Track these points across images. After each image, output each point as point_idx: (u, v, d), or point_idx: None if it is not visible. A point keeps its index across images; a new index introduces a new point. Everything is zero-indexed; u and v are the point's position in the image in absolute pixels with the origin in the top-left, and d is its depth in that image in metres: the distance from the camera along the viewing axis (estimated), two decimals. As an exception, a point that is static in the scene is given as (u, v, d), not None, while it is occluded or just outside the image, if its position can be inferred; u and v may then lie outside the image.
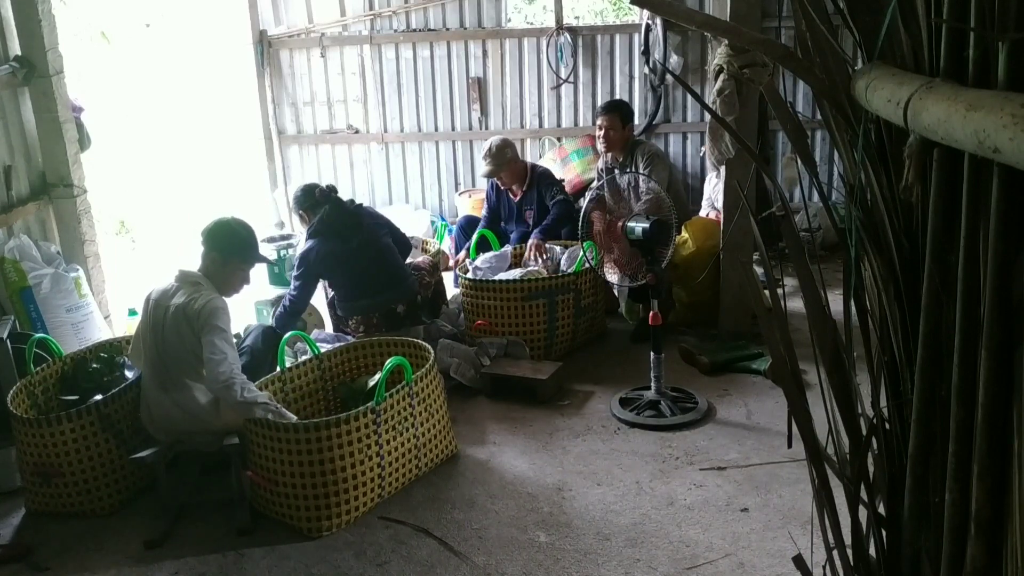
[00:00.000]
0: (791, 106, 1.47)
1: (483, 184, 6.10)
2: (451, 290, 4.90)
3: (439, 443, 3.34)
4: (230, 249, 3.25)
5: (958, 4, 0.95)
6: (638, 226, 3.65)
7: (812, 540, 1.66)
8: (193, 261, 3.32)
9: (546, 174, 5.13)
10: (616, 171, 4.59)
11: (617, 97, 6.32)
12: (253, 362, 3.61)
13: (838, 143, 1.30)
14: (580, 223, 3.89)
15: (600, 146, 4.96)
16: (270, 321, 4.21)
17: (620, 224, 3.80)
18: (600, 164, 5.25)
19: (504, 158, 4.96)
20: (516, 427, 3.68)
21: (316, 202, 4.24)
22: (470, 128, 6.74)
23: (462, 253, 5.11)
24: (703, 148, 5.42)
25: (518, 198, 5.14)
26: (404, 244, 4.52)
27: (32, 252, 4.18)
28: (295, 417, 3.13)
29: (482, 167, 5.14)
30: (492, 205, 5.28)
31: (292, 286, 4.17)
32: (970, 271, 0.98)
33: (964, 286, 0.99)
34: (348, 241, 4.15)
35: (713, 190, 5.55)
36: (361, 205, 4.45)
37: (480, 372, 4.03)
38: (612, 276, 3.97)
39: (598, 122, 4.86)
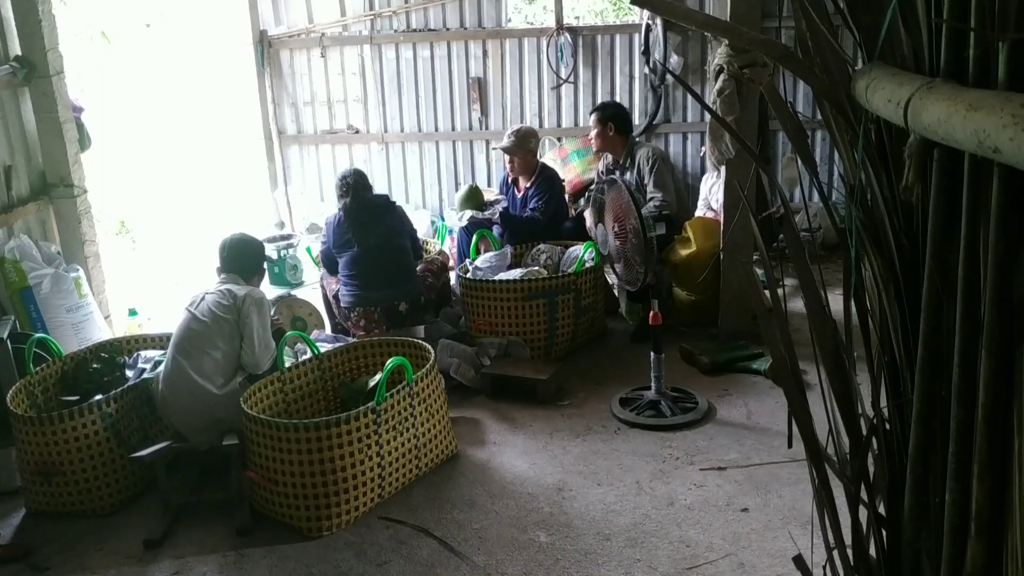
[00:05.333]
0: (791, 106, 1.47)
1: (483, 184, 6.16)
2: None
3: (439, 443, 3.34)
4: (260, 261, 3.72)
5: (958, 4, 0.95)
6: (658, 224, 3.68)
7: (812, 540, 1.66)
8: (206, 264, 3.49)
9: (549, 180, 5.11)
10: (616, 172, 4.60)
11: (617, 97, 6.32)
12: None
13: (838, 143, 1.30)
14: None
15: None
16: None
17: (624, 223, 3.80)
18: (600, 166, 5.26)
19: (526, 145, 5.02)
20: (516, 427, 3.68)
21: (340, 194, 4.36)
22: (470, 128, 6.73)
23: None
24: (703, 148, 5.42)
25: (521, 193, 5.18)
26: (417, 253, 4.60)
27: (32, 252, 4.18)
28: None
29: (502, 140, 5.18)
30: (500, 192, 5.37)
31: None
32: (970, 271, 0.98)
33: (964, 286, 0.99)
34: (365, 235, 4.25)
35: (709, 190, 5.55)
36: (391, 203, 4.48)
37: (480, 372, 4.03)
38: (613, 276, 3.97)
39: None
